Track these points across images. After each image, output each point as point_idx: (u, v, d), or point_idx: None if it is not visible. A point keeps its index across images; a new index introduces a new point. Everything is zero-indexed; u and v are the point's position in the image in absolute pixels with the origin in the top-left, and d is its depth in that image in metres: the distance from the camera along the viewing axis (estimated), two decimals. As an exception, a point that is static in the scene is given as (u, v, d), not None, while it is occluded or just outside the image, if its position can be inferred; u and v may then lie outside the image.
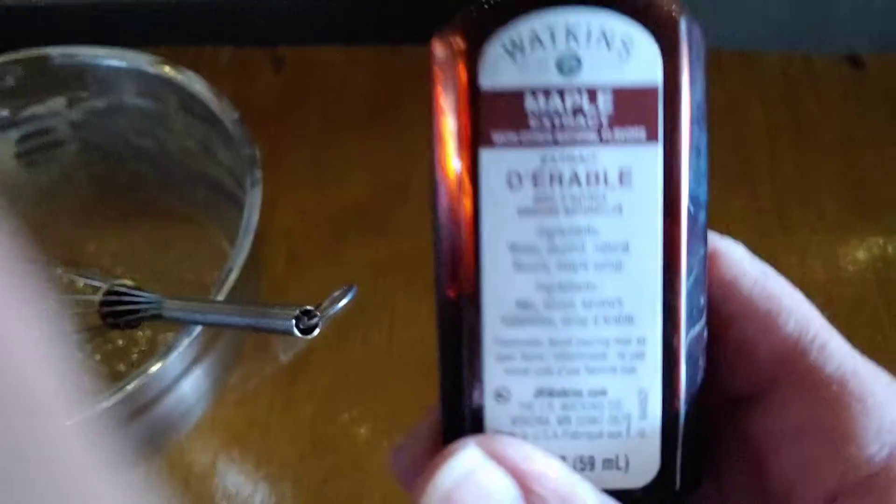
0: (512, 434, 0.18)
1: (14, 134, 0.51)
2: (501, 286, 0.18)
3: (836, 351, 0.18)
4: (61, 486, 0.12)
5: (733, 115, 0.62)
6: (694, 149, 0.18)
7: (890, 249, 0.56)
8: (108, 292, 0.40)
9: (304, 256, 0.56)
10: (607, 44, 0.17)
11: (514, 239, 0.18)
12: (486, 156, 0.17)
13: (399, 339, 0.53)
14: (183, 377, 0.41)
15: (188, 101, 0.47)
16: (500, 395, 0.18)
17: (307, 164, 0.61)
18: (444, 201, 0.18)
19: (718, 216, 0.60)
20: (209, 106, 0.46)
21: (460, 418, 0.19)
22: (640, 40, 0.17)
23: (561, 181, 0.17)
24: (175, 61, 0.50)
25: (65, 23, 0.68)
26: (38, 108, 0.50)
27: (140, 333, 0.49)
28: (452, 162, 0.18)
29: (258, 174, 0.42)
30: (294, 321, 0.33)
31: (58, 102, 0.50)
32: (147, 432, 0.42)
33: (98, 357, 0.48)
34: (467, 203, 0.18)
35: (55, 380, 0.12)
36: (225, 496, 0.46)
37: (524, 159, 0.17)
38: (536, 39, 0.17)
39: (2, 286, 0.11)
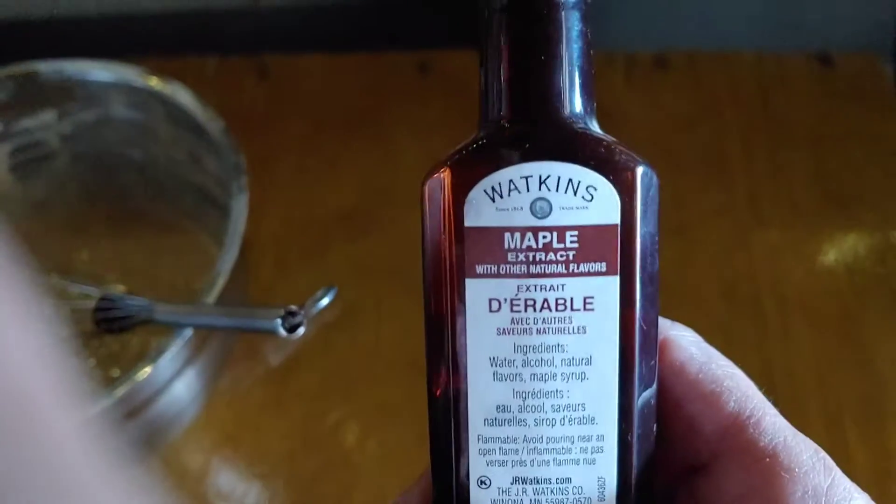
0: None
1: (6, 147, 0.52)
2: (483, 392, 0.21)
3: (769, 426, 0.21)
4: (61, 488, 0.12)
5: (708, 113, 0.64)
6: (646, 277, 0.21)
7: (859, 241, 0.57)
8: (101, 299, 0.42)
9: (290, 261, 0.57)
10: (574, 191, 0.20)
11: (493, 353, 0.21)
12: (471, 284, 0.20)
13: (385, 340, 0.54)
14: (176, 378, 0.42)
15: (175, 112, 0.48)
16: (482, 482, 0.22)
17: (292, 170, 0.62)
18: (434, 319, 0.21)
19: (695, 211, 0.61)
20: (195, 116, 0.47)
21: (449, 499, 0.22)
22: (601, 187, 0.20)
23: (534, 306, 0.21)
24: (161, 72, 0.51)
25: (53, 35, 0.70)
26: (29, 122, 0.52)
27: (132, 339, 0.50)
28: (442, 286, 0.21)
29: (244, 181, 0.44)
30: (279, 321, 0.35)
31: (48, 116, 0.51)
32: (142, 433, 0.43)
33: (92, 362, 0.49)
34: (455, 323, 0.21)
35: (53, 383, 0.13)
36: (219, 495, 0.48)
37: (503, 287, 0.20)
38: (514, 186, 0.20)
39: (1, 293, 0.12)
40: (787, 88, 0.65)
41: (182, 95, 0.48)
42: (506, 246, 0.20)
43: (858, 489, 0.21)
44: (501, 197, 0.20)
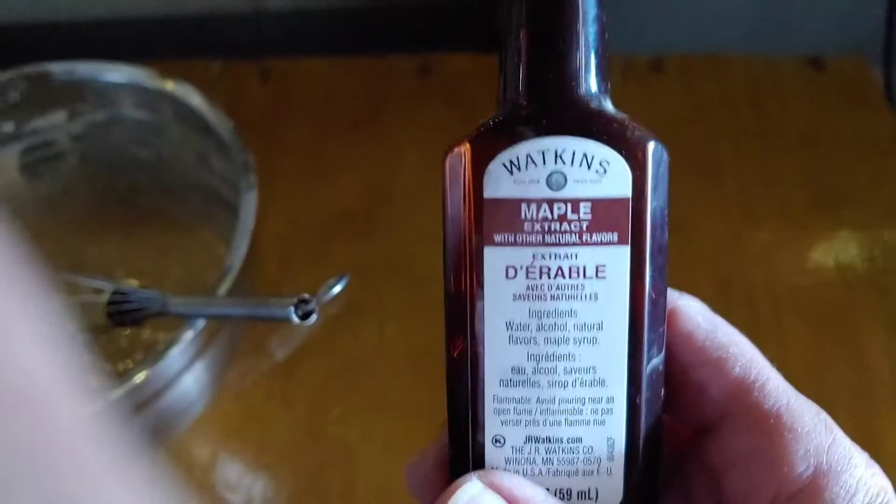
0: (506, 471, 0.23)
1: (18, 147, 0.53)
2: (499, 355, 0.22)
3: (773, 390, 0.22)
4: (72, 484, 0.13)
5: (701, 116, 0.65)
6: (656, 248, 0.22)
7: (848, 240, 0.59)
8: (114, 292, 0.43)
9: (295, 259, 0.58)
10: (588, 165, 0.21)
11: (509, 318, 0.22)
12: (489, 252, 0.22)
13: (387, 335, 0.55)
14: (185, 371, 0.43)
15: (184, 112, 0.50)
16: (497, 441, 0.23)
17: (296, 171, 0.63)
18: (453, 285, 0.22)
19: (688, 210, 0.63)
20: (204, 116, 0.48)
21: (465, 457, 0.23)
22: (614, 162, 0.21)
23: (548, 274, 0.22)
24: (166, 74, 0.52)
25: (62, 38, 0.71)
26: (40, 122, 0.53)
27: (142, 333, 0.51)
28: (461, 255, 0.22)
29: (253, 178, 0.45)
30: (292, 308, 0.36)
31: (59, 116, 0.53)
32: (152, 425, 0.45)
33: (103, 356, 0.50)
34: (473, 289, 0.22)
35: (62, 378, 0.13)
36: (226, 485, 0.49)
37: (519, 255, 0.21)
38: (531, 160, 0.21)
39: (10, 289, 0.12)
40: (778, 91, 0.67)
41: (191, 96, 0.49)
42: (522, 216, 0.21)
43: (858, 448, 0.22)
44: (519, 170, 0.21)
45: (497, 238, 0.21)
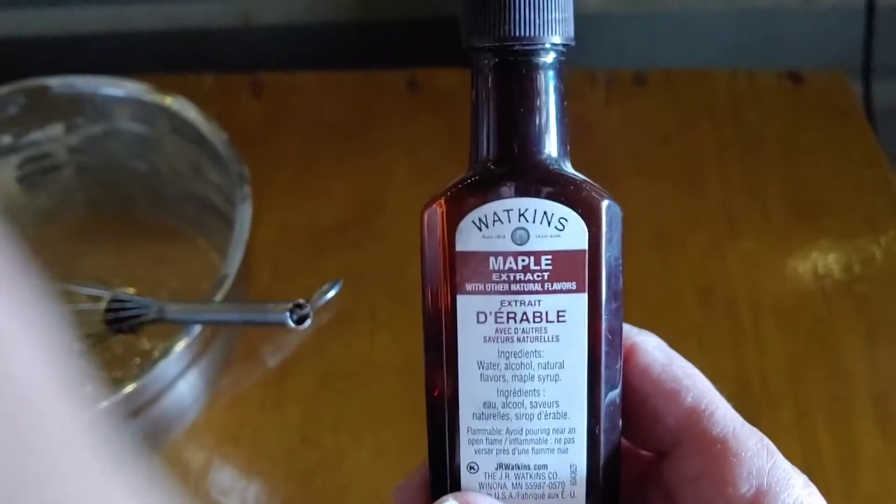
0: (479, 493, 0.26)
1: (15, 159, 0.54)
2: (472, 391, 0.24)
3: (721, 418, 0.24)
4: (67, 491, 0.13)
5: (684, 128, 0.67)
6: (611, 294, 0.24)
7: (827, 249, 0.60)
8: (112, 300, 0.44)
9: (287, 269, 0.59)
10: (548, 222, 0.24)
11: (480, 358, 0.24)
12: (461, 299, 0.24)
13: (378, 344, 0.56)
14: (180, 378, 0.44)
15: (179, 125, 0.51)
16: (471, 468, 0.25)
17: (288, 183, 0.64)
18: (431, 328, 0.25)
19: (672, 220, 0.64)
20: (199, 129, 0.49)
21: (444, 481, 0.25)
22: (572, 219, 0.24)
23: (515, 318, 0.24)
24: (161, 88, 0.53)
25: (59, 52, 0.72)
26: (37, 135, 0.54)
27: (138, 343, 0.52)
28: (437, 301, 0.24)
29: (247, 190, 0.46)
30: (288, 313, 0.37)
31: (56, 129, 0.53)
32: (147, 430, 0.45)
33: (99, 364, 0.51)
34: (449, 331, 0.24)
35: (60, 385, 0.13)
36: (220, 491, 0.49)
37: (488, 302, 0.24)
38: (497, 218, 0.24)
39: (7, 299, 0.12)
40: (759, 104, 0.68)
41: (187, 109, 0.50)
42: (491, 267, 0.24)
43: (797, 470, 0.24)
44: (487, 226, 0.24)
45: (468, 287, 0.24)
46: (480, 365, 0.24)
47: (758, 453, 0.23)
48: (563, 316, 0.24)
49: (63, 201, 0.56)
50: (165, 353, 0.42)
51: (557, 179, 0.24)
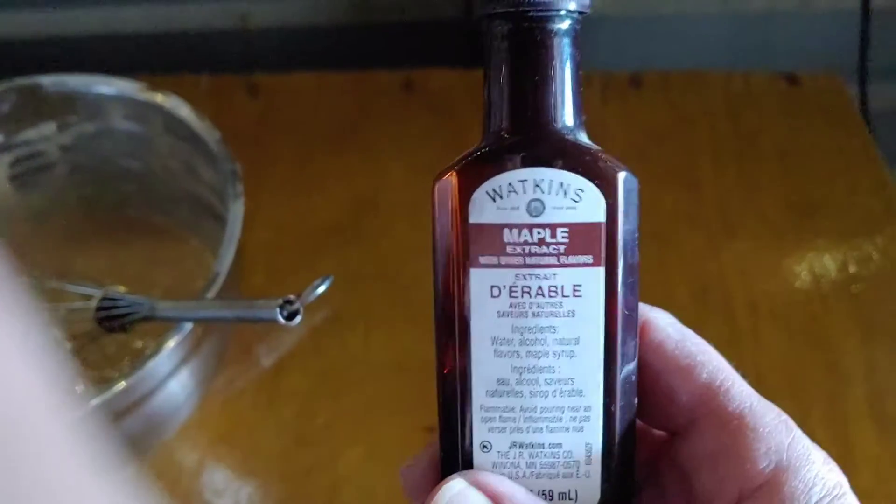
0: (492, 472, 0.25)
1: (7, 158, 0.54)
2: (485, 368, 0.24)
3: (737, 394, 0.24)
4: (53, 488, 0.13)
5: (681, 130, 0.67)
6: (628, 268, 0.23)
7: (823, 248, 0.60)
8: (103, 298, 0.43)
9: (282, 268, 0.59)
10: (564, 193, 0.23)
11: (494, 333, 0.23)
12: (475, 273, 0.23)
13: (373, 344, 0.56)
14: (171, 376, 0.44)
15: (172, 123, 0.50)
16: (484, 447, 0.24)
17: (283, 182, 0.64)
18: (443, 304, 0.24)
19: (668, 220, 0.64)
20: (192, 127, 0.49)
21: (455, 461, 0.25)
22: (588, 190, 0.23)
23: (529, 293, 0.23)
24: (157, 88, 0.53)
25: (54, 53, 0.72)
26: (30, 133, 0.53)
27: (130, 342, 0.52)
28: (450, 276, 0.23)
29: (240, 187, 0.46)
30: (278, 309, 0.37)
31: (49, 127, 0.53)
32: (138, 429, 0.45)
33: (90, 364, 0.50)
34: (462, 307, 0.23)
35: (47, 389, 0.13)
36: (213, 491, 0.49)
37: (502, 276, 0.23)
38: (512, 189, 0.23)
39: None
40: (755, 106, 0.68)
41: (180, 108, 0.50)
42: (505, 240, 0.23)
43: (817, 447, 0.23)
44: (501, 198, 0.23)
45: (482, 260, 0.23)
46: (494, 341, 0.23)
47: (776, 428, 0.23)
48: (578, 290, 0.23)
49: (56, 200, 0.56)
50: (156, 351, 0.41)
51: (574, 149, 0.23)
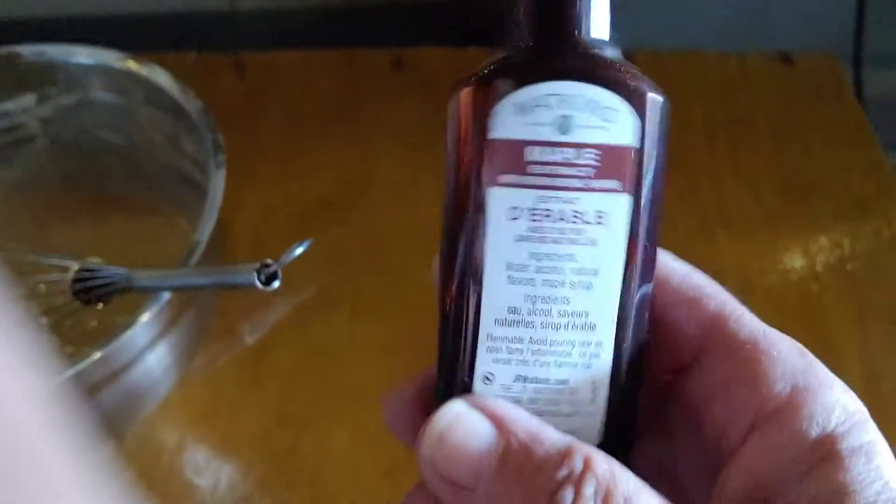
0: None
1: (-14, 130, 0.53)
2: (498, 294, 0.22)
3: (749, 321, 0.23)
4: (23, 472, 0.12)
5: (674, 109, 0.65)
6: (655, 198, 0.22)
7: (817, 230, 0.59)
8: (80, 270, 0.42)
9: (268, 248, 0.57)
10: (595, 111, 0.21)
11: (510, 259, 0.22)
12: (493, 192, 0.21)
13: (359, 324, 0.55)
14: (148, 350, 0.43)
15: (154, 94, 0.49)
16: (486, 378, 0.23)
17: (269, 162, 0.63)
18: (454, 225, 0.22)
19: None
20: (174, 97, 0.48)
21: (452, 392, 0.23)
22: (622, 110, 0.21)
23: (551, 217, 0.21)
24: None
25: (38, 32, 0.70)
26: (8, 105, 0.52)
27: (109, 318, 0.51)
28: (464, 195, 0.22)
29: (222, 158, 0.45)
30: (255, 273, 0.36)
31: (28, 99, 0.52)
32: (115, 404, 0.44)
33: (68, 339, 0.49)
34: (475, 229, 0.22)
35: (23, 366, 0.13)
36: (193, 469, 0.48)
37: (523, 198, 0.21)
38: (540, 103, 0.21)
39: None
40: (749, 87, 0.68)
41: (160, 77, 0.49)
42: (527, 158, 0.21)
43: (835, 376, 0.22)
44: (527, 112, 0.21)
45: (502, 179, 0.21)
46: (509, 266, 0.22)
47: (791, 353, 0.22)
48: (602, 218, 0.21)
49: (35, 175, 0.55)
50: (132, 321, 0.40)
51: (609, 66, 0.21)
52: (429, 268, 0.24)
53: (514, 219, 0.21)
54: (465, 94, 0.21)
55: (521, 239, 0.22)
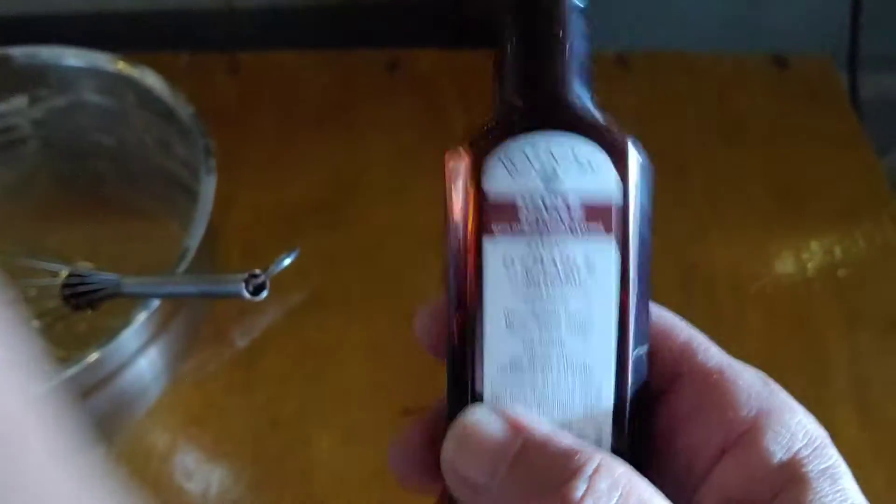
0: None
1: (-22, 132, 0.53)
2: (498, 342, 0.23)
3: (715, 353, 0.24)
4: (14, 471, 0.13)
5: (667, 112, 0.66)
6: (642, 241, 0.23)
7: (809, 233, 0.59)
8: (70, 275, 0.42)
9: (260, 250, 0.58)
10: (577, 161, 0.22)
11: (507, 306, 0.23)
12: (488, 243, 0.23)
13: (352, 326, 0.55)
14: (139, 354, 0.43)
15: (145, 97, 0.49)
16: None
17: (262, 163, 0.63)
18: (454, 275, 0.23)
19: (655, 205, 0.63)
20: (165, 101, 0.48)
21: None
22: (602, 160, 0.23)
23: (542, 264, 0.23)
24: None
25: (27, 31, 0.70)
26: (0, 107, 0.52)
27: (100, 321, 0.51)
28: (461, 247, 0.23)
29: (212, 163, 0.45)
30: (243, 284, 0.36)
31: (20, 101, 0.52)
32: (106, 408, 0.44)
33: (58, 343, 0.49)
34: (473, 277, 0.23)
35: (12, 362, 0.13)
36: (184, 474, 0.48)
37: (516, 246, 0.23)
38: (524, 156, 0.23)
39: None
40: (743, 89, 0.68)
41: (152, 80, 0.49)
42: (518, 209, 0.23)
43: (796, 402, 0.23)
44: (514, 166, 0.23)
45: (495, 229, 0.23)
46: (507, 313, 0.23)
47: (754, 381, 0.23)
48: (591, 261, 0.23)
49: (27, 177, 0.54)
50: (123, 326, 0.40)
51: (586, 117, 0.23)
52: (419, 269, 0.25)
53: (509, 267, 0.23)
54: (458, 151, 0.23)
55: (516, 286, 0.23)
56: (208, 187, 0.43)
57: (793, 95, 0.67)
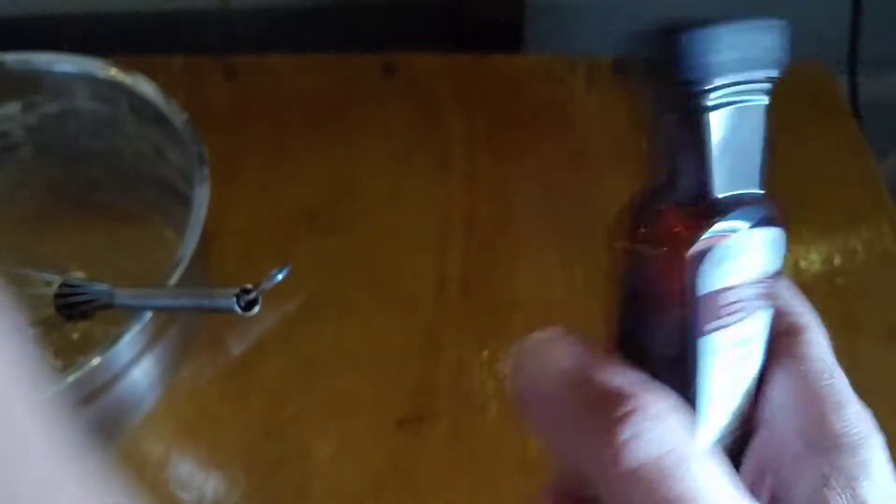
0: None
1: (-29, 140, 0.52)
2: (718, 422, 0.23)
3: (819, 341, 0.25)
4: (17, 477, 0.12)
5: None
6: None
7: (808, 242, 0.59)
8: (62, 285, 0.42)
9: (255, 256, 0.58)
10: (774, 250, 0.23)
11: (720, 388, 0.23)
12: (702, 342, 0.23)
13: (346, 333, 0.55)
14: (134, 364, 0.42)
15: (139, 103, 0.49)
16: None
17: (258, 168, 0.62)
18: (673, 367, 0.23)
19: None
20: (159, 108, 0.48)
21: None
22: (784, 244, 0.24)
23: (740, 348, 0.23)
24: (127, 68, 0.52)
25: (20, 34, 0.70)
26: (-7, 114, 0.52)
27: (94, 330, 0.50)
28: (674, 343, 0.23)
29: (206, 171, 0.44)
30: (235, 299, 0.35)
31: (12, 108, 0.52)
32: (101, 418, 0.44)
33: (52, 351, 0.49)
34: (688, 373, 0.23)
35: (14, 375, 0.13)
36: (178, 483, 0.48)
37: (721, 339, 0.23)
38: (735, 253, 0.22)
39: None
40: (741, 94, 0.67)
41: (145, 87, 0.48)
42: (729, 301, 0.23)
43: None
44: (727, 261, 0.22)
45: (707, 328, 0.23)
46: (720, 398, 0.23)
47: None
48: (760, 334, 0.23)
49: (19, 184, 0.54)
50: (117, 338, 0.40)
51: (781, 207, 0.24)
52: (415, 276, 0.24)
53: (717, 357, 0.23)
54: (667, 252, 0.23)
55: (724, 370, 0.23)
56: (201, 196, 0.43)
57: (792, 101, 0.66)
